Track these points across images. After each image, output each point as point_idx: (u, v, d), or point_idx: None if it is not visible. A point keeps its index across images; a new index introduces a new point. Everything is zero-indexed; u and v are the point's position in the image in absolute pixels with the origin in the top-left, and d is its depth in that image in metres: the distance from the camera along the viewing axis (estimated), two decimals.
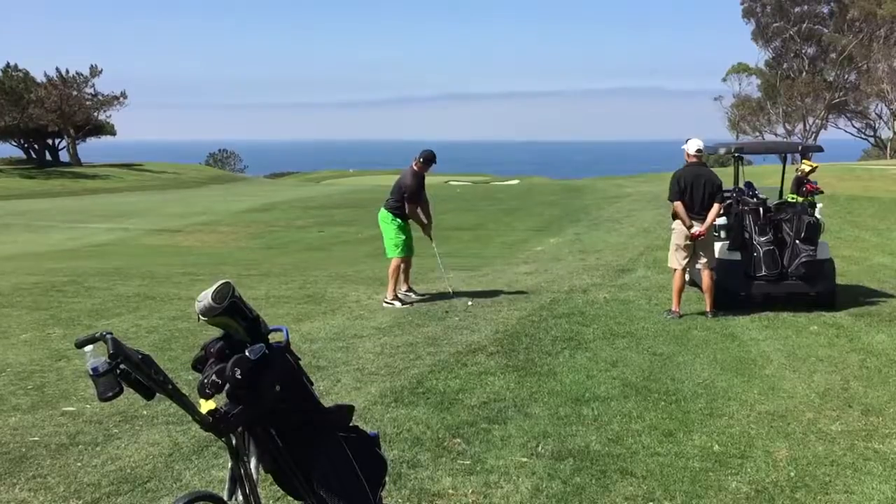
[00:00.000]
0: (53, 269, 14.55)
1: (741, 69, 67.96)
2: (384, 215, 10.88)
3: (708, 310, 9.95)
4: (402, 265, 10.83)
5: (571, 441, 5.77)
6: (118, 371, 3.34)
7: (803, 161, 11.02)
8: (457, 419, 6.19)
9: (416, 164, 10.76)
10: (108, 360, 3.30)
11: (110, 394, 3.33)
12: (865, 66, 61.87)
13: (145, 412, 6.19)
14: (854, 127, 67.04)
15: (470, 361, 7.83)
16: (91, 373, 3.30)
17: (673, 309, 9.94)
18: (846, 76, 64.71)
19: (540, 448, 5.62)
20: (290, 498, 4.39)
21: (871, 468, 5.38)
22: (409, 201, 10.70)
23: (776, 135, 65.21)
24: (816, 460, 5.50)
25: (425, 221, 11.05)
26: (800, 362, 7.99)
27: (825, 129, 65.87)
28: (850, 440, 5.89)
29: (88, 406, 6.36)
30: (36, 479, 5.04)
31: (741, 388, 7.11)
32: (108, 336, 3.31)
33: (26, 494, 4.82)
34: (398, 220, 10.79)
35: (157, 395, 3.51)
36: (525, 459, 5.43)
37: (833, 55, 63.43)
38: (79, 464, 5.29)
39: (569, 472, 5.23)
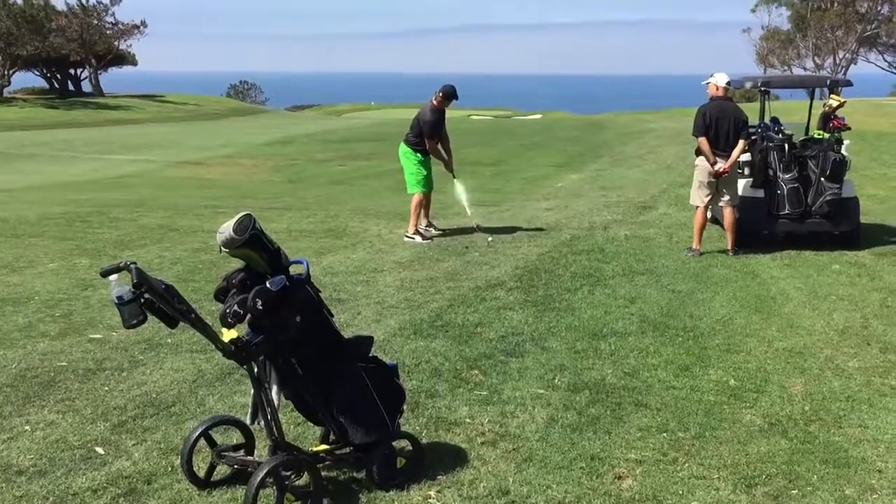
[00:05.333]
0: (78, 200, 14.69)
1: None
2: (404, 150, 10.88)
3: (729, 248, 9.90)
4: (423, 200, 10.86)
5: (587, 374, 5.84)
6: (142, 300, 3.42)
7: (831, 96, 10.76)
8: (475, 352, 6.27)
9: (435, 100, 10.69)
10: (132, 289, 3.38)
11: (135, 321, 3.42)
12: None
13: (170, 340, 6.32)
14: (885, 61, 65.25)
15: (489, 296, 7.89)
16: (116, 301, 3.39)
17: (694, 246, 9.90)
18: (879, 8, 62.57)
19: (556, 380, 5.70)
20: (310, 423, 4.51)
21: (886, 403, 5.42)
22: (430, 137, 10.67)
23: (805, 69, 63.53)
24: (832, 395, 5.55)
25: (446, 157, 11.02)
26: (820, 300, 7.97)
27: (856, 63, 64.08)
28: (867, 376, 5.91)
29: (114, 333, 6.50)
30: (64, 402, 5.20)
31: (759, 324, 7.13)
32: (133, 266, 3.38)
33: (55, 416, 4.98)
34: (418, 154, 10.77)
35: (181, 323, 3.60)
36: (541, 391, 5.51)
37: None
38: (105, 388, 5.44)
39: (584, 403, 5.31)
